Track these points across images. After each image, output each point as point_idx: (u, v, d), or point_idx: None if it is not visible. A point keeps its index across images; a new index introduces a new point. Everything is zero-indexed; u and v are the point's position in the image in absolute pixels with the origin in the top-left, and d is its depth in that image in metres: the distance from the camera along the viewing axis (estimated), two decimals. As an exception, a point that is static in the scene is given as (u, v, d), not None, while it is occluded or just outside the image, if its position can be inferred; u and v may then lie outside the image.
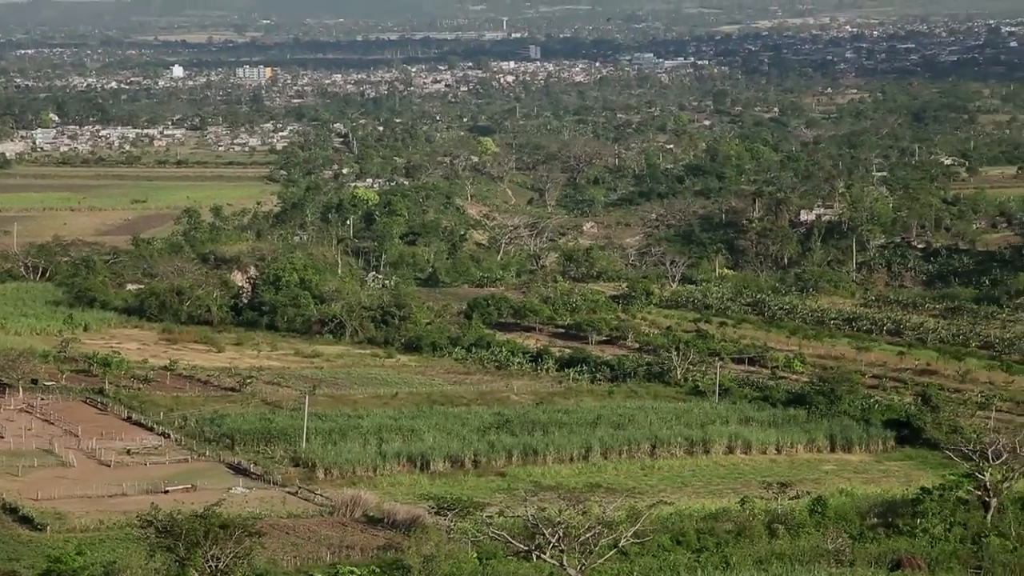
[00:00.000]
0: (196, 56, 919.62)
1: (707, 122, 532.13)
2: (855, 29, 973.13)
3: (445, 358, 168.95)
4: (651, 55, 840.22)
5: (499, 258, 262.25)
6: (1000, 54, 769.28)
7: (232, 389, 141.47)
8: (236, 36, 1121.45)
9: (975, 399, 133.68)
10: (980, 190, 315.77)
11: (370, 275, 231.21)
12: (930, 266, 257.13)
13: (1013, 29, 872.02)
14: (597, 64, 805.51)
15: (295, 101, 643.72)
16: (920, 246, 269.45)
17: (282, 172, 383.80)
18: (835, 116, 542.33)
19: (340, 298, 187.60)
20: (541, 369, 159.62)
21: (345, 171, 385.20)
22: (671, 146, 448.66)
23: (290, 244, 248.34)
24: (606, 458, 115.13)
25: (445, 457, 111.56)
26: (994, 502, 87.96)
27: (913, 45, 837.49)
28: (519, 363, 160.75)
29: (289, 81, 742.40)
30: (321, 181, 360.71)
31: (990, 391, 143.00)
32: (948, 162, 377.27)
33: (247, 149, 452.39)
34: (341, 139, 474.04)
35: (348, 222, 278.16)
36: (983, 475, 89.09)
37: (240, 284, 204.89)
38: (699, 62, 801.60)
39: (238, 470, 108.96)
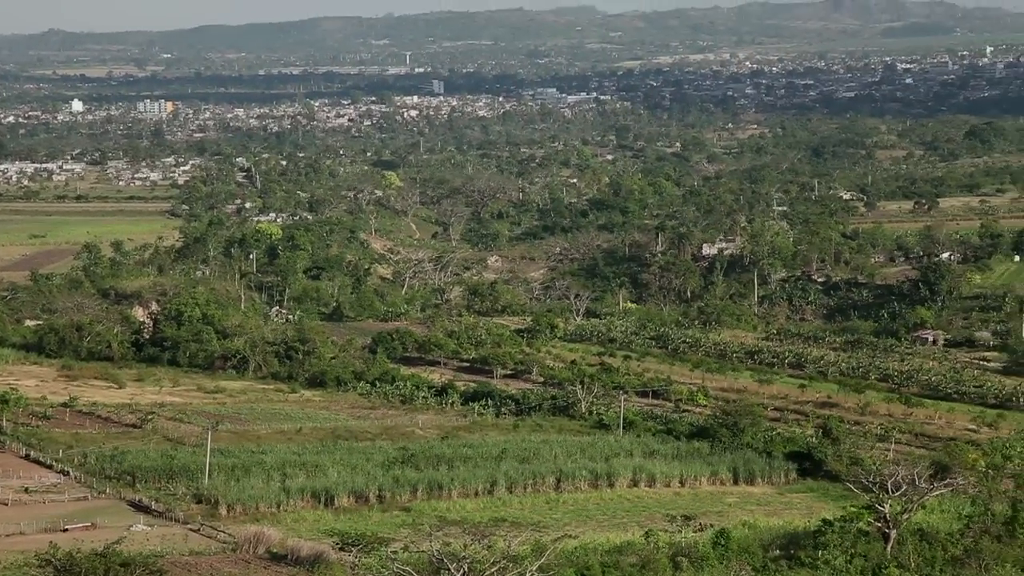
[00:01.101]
0: (96, 90, 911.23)
1: (610, 157, 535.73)
2: (755, 65, 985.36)
3: (349, 393, 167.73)
4: (554, 90, 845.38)
5: (403, 292, 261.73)
6: (896, 91, 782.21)
7: (133, 425, 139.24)
8: (136, 70, 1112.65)
9: (875, 431, 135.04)
10: (878, 224, 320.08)
11: (273, 310, 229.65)
12: (830, 300, 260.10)
13: (908, 66, 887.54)
14: (500, 99, 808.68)
15: (197, 135, 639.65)
16: (820, 280, 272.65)
17: (184, 207, 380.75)
18: (736, 151, 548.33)
19: (243, 333, 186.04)
20: (446, 403, 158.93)
21: (248, 205, 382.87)
22: (575, 180, 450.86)
23: (192, 279, 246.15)
24: (511, 492, 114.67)
25: (349, 492, 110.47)
26: (894, 533, 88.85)
27: (812, 81, 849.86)
28: (424, 397, 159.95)
29: (191, 115, 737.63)
30: (224, 216, 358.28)
31: (889, 423, 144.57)
32: (847, 197, 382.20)
33: (148, 184, 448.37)
34: (244, 173, 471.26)
35: (251, 257, 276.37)
36: (883, 507, 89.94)
37: (141, 319, 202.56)
38: (601, 97, 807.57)
39: (139, 507, 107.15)
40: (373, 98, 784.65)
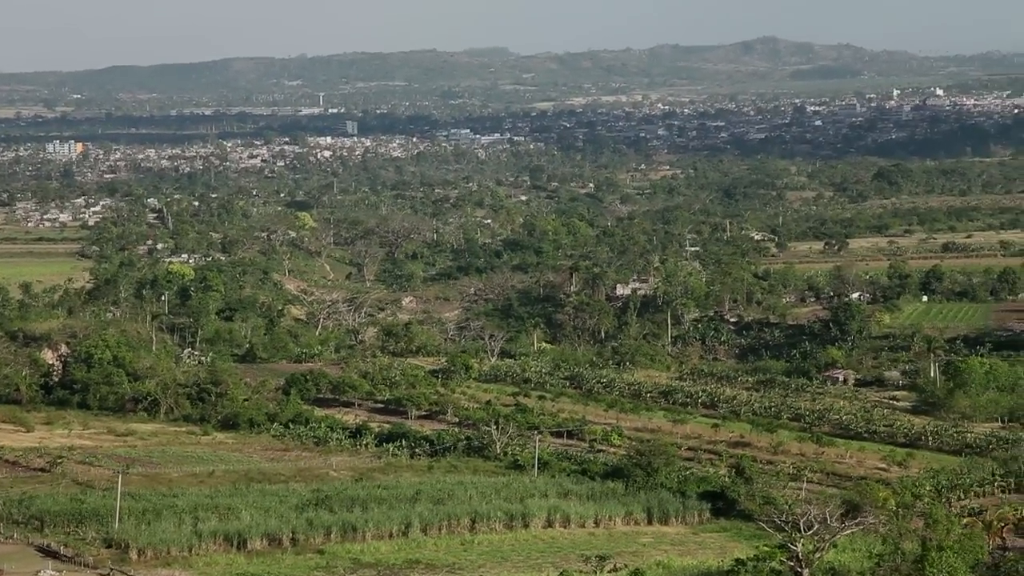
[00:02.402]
0: (4, 131, 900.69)
1: (524, 197, 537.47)
2: (667, 107, 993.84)
3: (263, 435, 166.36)
4: (468, 131, 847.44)
5: (317, 333, 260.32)
6: (806, 133, 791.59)
7: (42, 469, 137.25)
8: (46, 111, 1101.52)
9: (787, 470, 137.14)
10: (789, 265, 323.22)
11: (186, 351, 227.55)
12: (742, 339, 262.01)
13: (817, 109, 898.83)
14: (414, 139, 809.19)
15: (107, 176, 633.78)
16: (732, 320, 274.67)
17: (94, 248, 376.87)
18: (649, 192, 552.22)
19: (154, 375, 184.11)
20: (360, 445, 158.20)
21: (160, 247, 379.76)
22: (489, 221, 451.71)
23: (103, 321, 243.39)
24: (426, 534, 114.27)
25: (262, 535, 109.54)
26: (806, 572, 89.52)
27: (723, 123, 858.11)
28: (338, 439, 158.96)
29: (101, 156, 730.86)
30: (135, 257, 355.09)
31: (801, 462, 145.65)
32: (758, 237, 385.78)
33: (58, 225, 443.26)
34: (155, 214, 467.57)
35: (163, 298, 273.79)
36: (795, 546, 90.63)
37: (51, 362, 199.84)
38: (515, 138, 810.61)
39: (47, 552, 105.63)
40: (286, 139, 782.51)
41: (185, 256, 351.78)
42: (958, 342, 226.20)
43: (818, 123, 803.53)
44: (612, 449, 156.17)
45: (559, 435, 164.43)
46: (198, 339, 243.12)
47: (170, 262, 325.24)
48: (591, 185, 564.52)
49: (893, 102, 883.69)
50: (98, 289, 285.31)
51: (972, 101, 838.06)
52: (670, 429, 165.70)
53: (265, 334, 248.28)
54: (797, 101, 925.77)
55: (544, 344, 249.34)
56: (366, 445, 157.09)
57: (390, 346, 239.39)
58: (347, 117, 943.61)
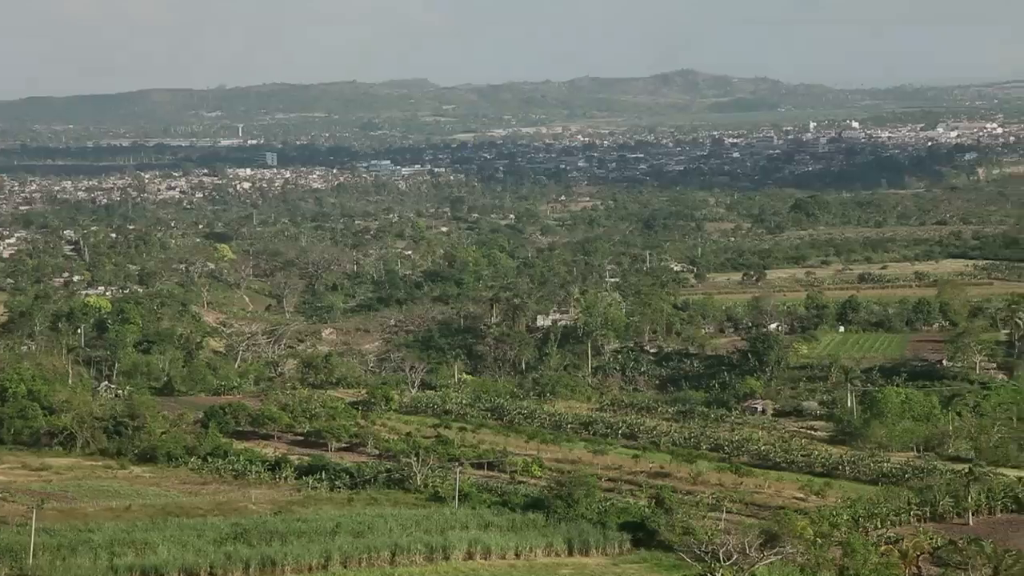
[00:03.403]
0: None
1: (444, 229, 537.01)
2: (586, 139, 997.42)
3: (181, 468, 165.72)
4: (388, 162, 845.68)
5: (236, 365, 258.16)
6: (724, 164, 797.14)
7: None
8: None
9: (707, 500, 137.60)
10: (708, 296, 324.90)
11: (102, 384, 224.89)
12: (662, 370, 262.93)
13: (735, 141, 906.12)
14: (335, 171, 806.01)
15: (23, 208, 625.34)
16: (652, 350, 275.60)
17: (9, 280, 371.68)
18: (569, 223, 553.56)
19: (70, 409, 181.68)
20: (280, 477, 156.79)
21: (76, 279, 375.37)
22: (409, 252, 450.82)
23: (17, 354, 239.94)
24: (346, 567, 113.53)
25: (180, 570, 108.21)
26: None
27: (642, 155, 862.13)
28: (257, 472, 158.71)
29: (16, 188, 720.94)
30: (51, 289, 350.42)
31: (720, 492, 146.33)
32: (677, 268, 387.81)
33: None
34: (72, 246, 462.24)
35: (79, 331, 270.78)
36: None
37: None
38: (436, 169, 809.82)
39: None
40: (205, 170, 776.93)
41: (102, 288, 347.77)
42: (874, 372, 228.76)
43: (736, 155, 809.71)
44: (533, 480, 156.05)
45: (480, 466, 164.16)
46: (115, 372, 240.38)
47: (87, 294, 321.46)
48: (511, 216, 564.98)
49: (810, 134, 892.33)
50: (13, 322, 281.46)
51: (887, 133, 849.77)
52: (591, 460, 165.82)
53: (183, 367, 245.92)
54: (715, 133, 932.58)
55: (465, 375, 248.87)
56: (285, 478, 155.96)
57: (310, 378, 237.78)
58: (267, 148, 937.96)
